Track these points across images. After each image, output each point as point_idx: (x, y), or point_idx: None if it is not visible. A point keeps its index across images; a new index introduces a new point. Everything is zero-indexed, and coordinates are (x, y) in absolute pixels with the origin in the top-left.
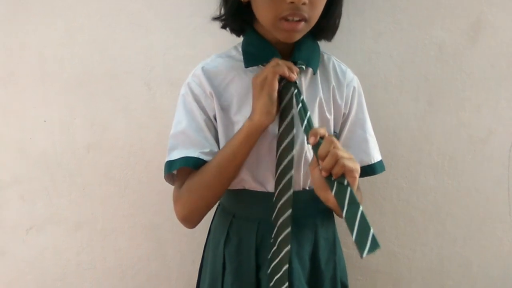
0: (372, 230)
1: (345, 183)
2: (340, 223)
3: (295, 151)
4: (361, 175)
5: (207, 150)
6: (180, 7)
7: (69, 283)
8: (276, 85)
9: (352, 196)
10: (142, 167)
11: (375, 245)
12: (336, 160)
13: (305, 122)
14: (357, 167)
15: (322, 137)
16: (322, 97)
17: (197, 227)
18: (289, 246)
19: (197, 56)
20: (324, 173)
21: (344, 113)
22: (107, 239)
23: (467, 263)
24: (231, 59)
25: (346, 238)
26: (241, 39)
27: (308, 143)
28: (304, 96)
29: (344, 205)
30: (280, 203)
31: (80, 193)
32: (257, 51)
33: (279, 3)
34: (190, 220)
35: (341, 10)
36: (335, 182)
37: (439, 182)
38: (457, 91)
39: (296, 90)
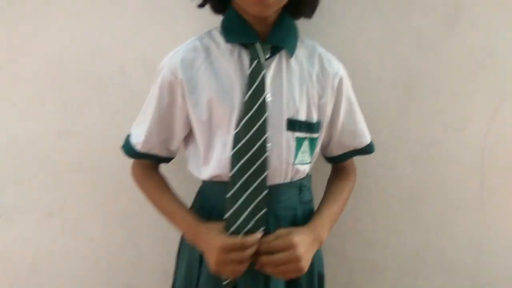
0: None
1: None
2: None
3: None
4: (362, 154)
5: (141, 139)
6: None
7: (41, 273)
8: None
9: None
10: (116, 154)
11: None
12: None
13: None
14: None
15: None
16: (308, 83)
17: None
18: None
19: (174, 39)
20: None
21: (333, 103)
22: (80, 228)
23: (441, 250)
24: (211, 39)
25: None
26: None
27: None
28: (284, 81)
29: None
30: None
31: (51, 180)
32: (236, 29)
33: None
34: None
35: None
36: None
37: (415, 170)
38: (434, 78)
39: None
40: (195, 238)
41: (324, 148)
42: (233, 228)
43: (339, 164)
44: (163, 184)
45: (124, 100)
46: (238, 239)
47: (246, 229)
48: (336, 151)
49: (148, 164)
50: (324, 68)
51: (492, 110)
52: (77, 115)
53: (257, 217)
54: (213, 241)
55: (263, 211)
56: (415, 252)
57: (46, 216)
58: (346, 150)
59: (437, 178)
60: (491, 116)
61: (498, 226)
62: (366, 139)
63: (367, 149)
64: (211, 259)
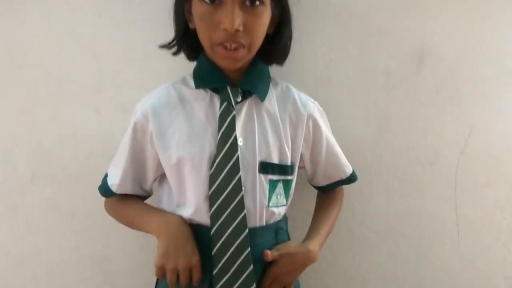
0: None
1: None
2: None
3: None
4: (346, 184)
5: (117, 181)
6: (131, 32)
7: None
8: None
9: None
10: (90, 197)
11: None
12: None
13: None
14: None
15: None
16: (281, 126)
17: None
18: None
19: (148, 81)
20: None
21: (311, 144)
22: (53, 274)
23: (420, 281)
24: (184, 85)
25: None
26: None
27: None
28: (256, 124)
29: None
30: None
31: (23, 225)
32: (207, 75)
33: (214, 29)
34: None
35: (291, 33)
36: None
37: (391, 203)
38: (405, 115)
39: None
40: (160, 226)
41: (310, 179)
42: (219, 265)
43: (327, 192)
44: (136, 199)
45: (98, 141)
46: None
47: (232, 269)
48: (322, 182)
49: None
50: (298, 110)
51: (462, 144)
52: (50, 158)
53: (241, 258)
54: (171, 217)
55: (247, 251)
56: (395, 284)
57: (18, 262)
58: (332, 181)
59: (412, 210)
60: (461, 149)
61: (473, 256)
62: (349, 168)
63: (351, 178)
64: (161, 244)
